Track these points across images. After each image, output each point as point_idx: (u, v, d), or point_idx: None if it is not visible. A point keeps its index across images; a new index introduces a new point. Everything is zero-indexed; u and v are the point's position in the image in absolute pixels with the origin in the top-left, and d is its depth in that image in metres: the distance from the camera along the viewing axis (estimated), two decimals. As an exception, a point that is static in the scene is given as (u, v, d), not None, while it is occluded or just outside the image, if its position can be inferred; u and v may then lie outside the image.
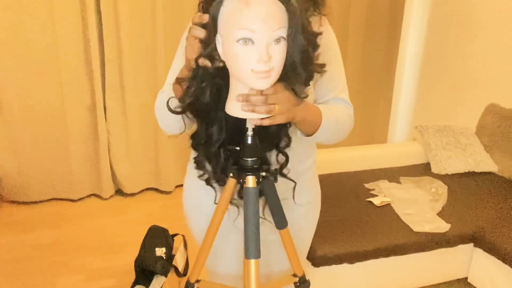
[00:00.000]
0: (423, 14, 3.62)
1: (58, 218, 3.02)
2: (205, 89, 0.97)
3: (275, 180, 1.13)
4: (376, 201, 2.34)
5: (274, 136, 1.08)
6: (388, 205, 2.32)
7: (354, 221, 2.16)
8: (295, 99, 0.98)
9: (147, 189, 3.45)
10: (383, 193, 2.43)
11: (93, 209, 3.17)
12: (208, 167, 1.13)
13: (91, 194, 3.33)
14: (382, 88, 3.95)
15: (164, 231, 2.36)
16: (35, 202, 3.18)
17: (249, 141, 1.02)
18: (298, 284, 1.24)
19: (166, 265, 2.16)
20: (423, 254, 2.13)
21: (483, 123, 2.92)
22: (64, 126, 3.08)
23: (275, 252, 1.31)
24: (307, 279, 1.26)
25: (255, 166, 1.05)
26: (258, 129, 1.02)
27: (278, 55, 0.87)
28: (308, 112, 1.06)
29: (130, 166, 3.31)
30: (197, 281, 1.25)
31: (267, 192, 1.09)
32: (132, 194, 3.38)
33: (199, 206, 1.29)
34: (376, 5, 3.70)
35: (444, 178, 2.67)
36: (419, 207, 2.29)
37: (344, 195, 2.42)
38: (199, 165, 1.15)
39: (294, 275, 1.24)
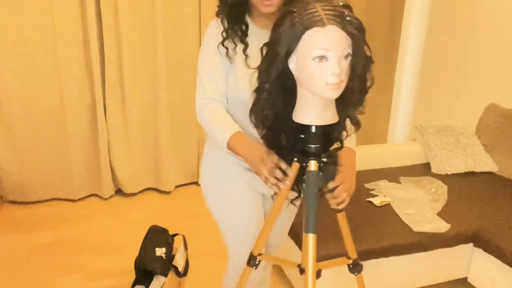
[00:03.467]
0: (423, 14, 3.62)
1: (58, 218, 3.02)
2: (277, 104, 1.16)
3: (334, 167, 1.25)
4: (376, 201, 2.34)
5: (333, 138, 1.25)
6: (388, 205, 2.32)
7: (354, 221, 2.16)
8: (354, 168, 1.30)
9: (147, 189, 3.46)
10: (383, 193, 2.43)
11: (93, 209, 3.17)
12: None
13: (91, 194, 3.33)
14: (382, 88, 3.95)
15: (164, 231, 2.36)
16: (35, 202, 3.18)
17: (313, 130, 1.15)
18: (351, 266, 1.40)
19: (166, 265, 2.16)
20: (423, 254, 2.13)
21: (483, 123, 2.92)
22: (64, 126, 3.08)
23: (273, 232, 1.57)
24: (359, 262, 1.40)
25: (317, 152, 1.18)
26: (322, 130, 1.17)
27: (346, 69, 1.07)
28: (354, 162, 1.34)
29: (130, 166, 3.31)
30: (259, 254, 1.36)
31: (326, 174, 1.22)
32: (132, 194, 3.38)
33: (225, 176, 1.47)
34: (376, 4, 3.70)
35: (444, 178, 2.67)
36: (419, 207, 2.29)
37: (344, 195, 2.42)
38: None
39: (348, 257, 1.37)
